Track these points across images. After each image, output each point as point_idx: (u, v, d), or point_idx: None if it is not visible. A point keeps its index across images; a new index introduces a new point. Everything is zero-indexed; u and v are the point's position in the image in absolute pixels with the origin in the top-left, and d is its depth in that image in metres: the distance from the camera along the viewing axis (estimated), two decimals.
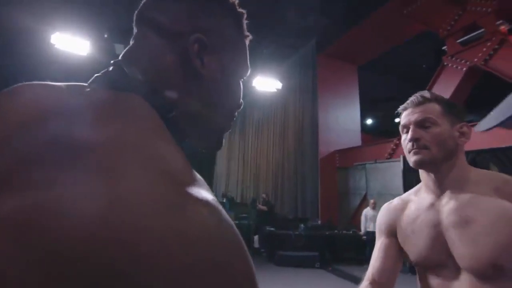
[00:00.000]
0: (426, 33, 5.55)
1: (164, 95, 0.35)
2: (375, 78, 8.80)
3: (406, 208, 0.81)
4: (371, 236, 4.43)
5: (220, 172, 13.57)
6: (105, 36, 5.99)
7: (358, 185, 6.24)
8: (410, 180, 4.82)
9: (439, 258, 0.73)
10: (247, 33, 0.44)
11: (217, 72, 0.38)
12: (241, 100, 0.44)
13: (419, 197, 0.79)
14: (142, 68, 0.36)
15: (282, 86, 7.39)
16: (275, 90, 7.44)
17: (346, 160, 6.70)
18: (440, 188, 0.74)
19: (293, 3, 5.82)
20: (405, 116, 0.79)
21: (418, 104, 0.77)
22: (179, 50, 0.36)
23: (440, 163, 0.73)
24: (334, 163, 6.94)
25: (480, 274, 0.67)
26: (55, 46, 5.21)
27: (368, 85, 8.42)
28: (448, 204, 0.72)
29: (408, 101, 0.80)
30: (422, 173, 0.79)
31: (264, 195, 7.31)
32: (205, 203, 0.24)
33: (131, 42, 0.40)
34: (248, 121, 10.69)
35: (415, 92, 0.80)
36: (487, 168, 4.10)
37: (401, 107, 0.81)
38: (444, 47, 4.92)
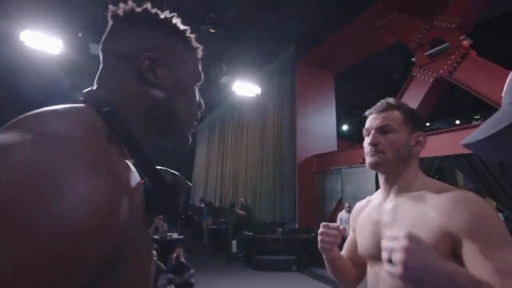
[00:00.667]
0: (398, 44, 5.87)
1: (119, 105, 0.43)
2: (350, 85, 9.13)
3: (367, 206, 0.90)
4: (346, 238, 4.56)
5: (198, 177, 13.37)
6: (79, 35, 5.76)
7: (334, 189, 6.40)
8: None
9: (374, 252, 0.79)
10: (197, 45, 0.53)
11: (170, 81, 0.47)
12: (200, 102, 0.53)
13: (376, 197, 0.87)
14: (104, 87, 0.45)
15: (262, 92, 7.47)
16: (255, 96, 7.49)
17: (323, 165, 6.86)
18: (388, 189, 0.81)
19: (274, 11, 5.94)
20: (369, 120, 0.84)
21: (382, 110, 0.82)
22: (135, 68, 0.45)
23: (392, 167, 0.78)
24: (311, 168, 7.08)
25: None
26: (25, 43, 4.93)
27: (344, 92, 8.72)
28: (388, 205, 0.79)
29: (374, 106, 0.85)
30: (378, 175, 0.85)
31: (242, 200, 7.30)
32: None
33: (100, 68, 0.48)
34: (227, 126, 10.66)
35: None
36: (453, 174, 4.36)
37: (368, 111, 0.86)
38: (413, 59, 5.22)
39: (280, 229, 6.04)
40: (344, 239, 0.92)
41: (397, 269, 0.50)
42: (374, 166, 0.79)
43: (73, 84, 8.63)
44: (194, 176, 13.90)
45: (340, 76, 8.12)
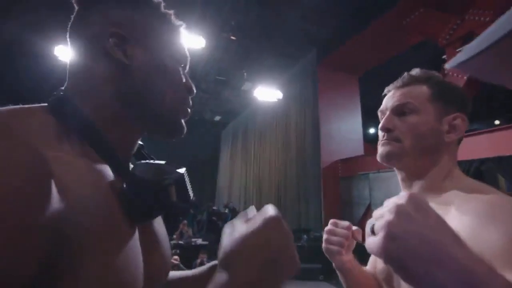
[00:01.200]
0: (424, 43, 5.59)
1: (80, 94, 0.39)
2: (376, 87, 8.83)
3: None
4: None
5: (222, 183, 13.50)
6: None
7: (361, 195, 6.16)
8: None
9: (386, 274, 0.63)
10: (177, 22, 0.46)
11: (144, 60, 0.41)
12: (188, 84, 0.46)
13: None
14: (70, 79, 0.42)
15: (283, 96, 7.43)
16: (276, 100, 7.46)
17: (348, 170, 6.64)
18: (407, 190, 0.61)
19: (292, 15, 5.91)
20: (385, 99, 0.65)
21: (402, 85, 0.62)
22: (101, 49, 0.40)
23: (412, 160, 0.58)
24: (336, 173, 6.88)
25: None
26: (59, 58, 5.28)
27: (370, 94, 8.45)
28: None
29: (395, 81, 0.66)
30: (396, 172, 0.65)
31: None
32: None
33: (69, 58, 0.43)
34: (250, 132, 10.70)
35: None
36: (494, 179, 4.00)
37: (386, 88, 0.67)
38: (444, 56, 4.94)
39: (305, 236, 5.88)
40: (362, 251, 0.74)
41: (378, 240, 0.32)
42: (386, 158, 0.60)
43: None
44: (219, 182, 14.04)
45: (365, 78, 7.88)
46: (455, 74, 4.59)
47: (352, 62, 7.11)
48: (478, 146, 3.97)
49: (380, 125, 0.62)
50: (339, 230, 0.68)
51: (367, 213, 5.81)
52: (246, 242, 0.33)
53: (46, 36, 5.24)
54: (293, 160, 7.70)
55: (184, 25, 0.47)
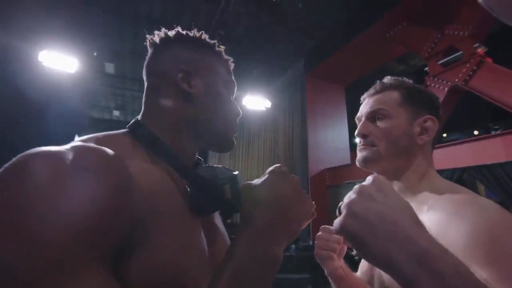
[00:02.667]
0: (407, 54, 5.79)
1: (153, 119, 0.50)
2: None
3: None
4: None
5: None
6: (94, 54, 5.99)
7: None
8: None
9: (369, 276, 0.64)
10: (227, 57, 0.58)
11: (204, 89, 0.51)
12: (237, 108, 0.57)
13: None
14: (144, 107, 0.52)
15: (272, 106, 7.48)
16: (265, 109, 7.50)
17: (336, 179, 6.70)
18: None
19: (281, 26, 6.02)
20: (361, 107, 0.69)
21: (375, 92, 0.66)
22: (171, 82, 0.50)
23: (388, 164, 0.61)
24: (324, 182, 6.92)
25: None
26: (43, 63, 5.15)
27: (355, 104, 8.62)
28: None
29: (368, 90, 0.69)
30: None
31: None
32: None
33: (144, 92, 0.54)
34: (238, 140, 10.68)
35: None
36: (473, 186, 4.13)
37: (362, 96, 0.71)
38: (426, 68, 5.12)
39: (293, 245, 5.85)
40: (350, 260, 0.71)
41: (340, 218, 0.33)
42: (364, 163, 0.63)
43: (88, 101, 8.90)
44: None
45: (351, 88, 8.06)
46: (436, 86, 4.76)
47: (339, 73, 7.26)
48: (459, 155, 4.10)
49: (356, 132, 0.65)
50: (330, 235, 0.69)
51: None
52: (258, 192, 0.41)
53: (30, 42, 5.13)
54: None
55: (232, 60, 0.59)
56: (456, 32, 4.59)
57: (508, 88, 3.88)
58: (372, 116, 0.64)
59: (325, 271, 0.71)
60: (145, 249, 0.34)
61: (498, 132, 4.39)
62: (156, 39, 0.54)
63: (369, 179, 0.36)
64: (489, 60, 4.26)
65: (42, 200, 0.27)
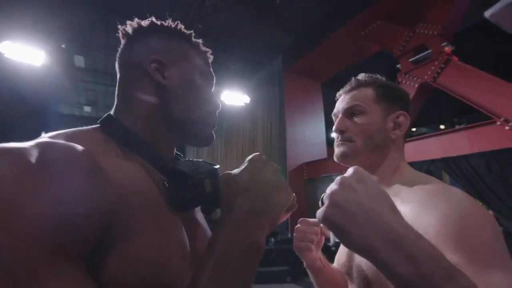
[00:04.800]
0: (381, 52, 5.99)
1: (125, 112, 0.48)
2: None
3: None
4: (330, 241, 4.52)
5: None
6: (63, 46, 5.66)
7: None
8: None
9: (347, 266, 0.65)
10: (205, 49, 0.55)
11: (179, 80, 0.49)
12: (216, 101, 0.55)
13: None
14: (117, 99, 0.49)
15: (250, 101, 7.47)
16: (243, 104, 7.48)
17: (313, 172, 6.85)
18: None
19: (259, 22, 6.00)
20: (337, 103, 0.70)
21: (350, 89, 0.68)
22: (144, 73, 0.47)
23: (365, 158, 0.63)
24: (302, 176, 7.05)
25: (359, 287, 0.58)
26: (5, 55, 4.80)
27: (331, 100, 8.82)
28: None
29: (344, 86, 0.70)
30: None
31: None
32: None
33: (116, 84, 0.51)
34: (216, 135, 10.56)
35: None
36: (439, 177, 4.38)
37: (338, 93, 0.72)
38: (398, 66, 5.32)
39: (272, 239, 5.93)
40: (328, 251, 0.73)
41: (323, 208, 0.35)
42: (342, 158, 0.64)
43: (56, 96, 8.42)
44: None
45: (327, 84, 8.22)
46: (407, 83, 4.98)
47: (316, 69, 7.38)
48: (428, 149, 4.33)
49: (333, 128, 0.66)
50: (309, 227, 0.70)
51: None
52: (238, 180, 0.41)
53: None
54: None
55: (210, 52, 0.56)
56: (426, 31, 4.81)
57: (472, 85, 4.13)
58: (349, 112, 0.66)
59: (304, 263, 0.72)
60: (122, 245, 0.33)
61: (462, 126, 4.67)
62: (129, 29, 0.51)
63: (350, 170, 0.37)
64: (455, 58, 4.51)
65: (2, 201, 0.26)
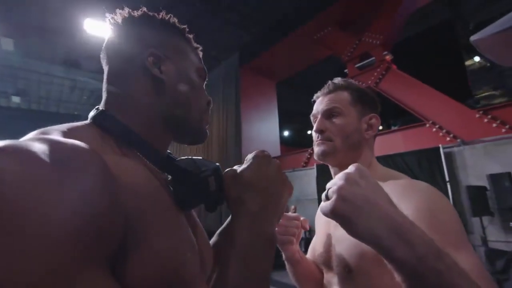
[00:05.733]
0: (333, 56, 6.38)
1: (121, 107, 0.45)
2: (290, 93, 9.60)
3: None
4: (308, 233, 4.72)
5: None
6: None
7: None
8: (322, 185, 5.38)
9: (325, 256, 0.69)
10: (196, 45, 0.54)
11: (175, 75, 0.47)
12: (208, 97, 0.53)
13: None
14: (108, 93, 0.46)
15: None
16: None
17: None
18: None
19: (216, 17, 5.92)
20: (315, 105, 0.74)
21: (328, 92, 0.72)
22: (140, 67, 0.45)
23: (342, 156, 0.67)
24: None
25: (340, 276, 0.63)
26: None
27: (284, 100, 9.12)
28: None
29: (321, 89, 0.75)
30: (330, 169, 0.74)
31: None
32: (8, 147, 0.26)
33: (104, 78, 0.47)
34: None
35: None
36: None
37: (315, 95, 0.76)
38: (346, 70, 5.74)
39: None
40: (304, 240, 0.79)
41: (330, 202, 0.38)
42: (322, 156, 0.68)
43: None
44: None
45: (281, 84, 8.48)
46: (359, 82, 5.38)
47: (271, 69, 7.55)
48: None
49: (314, 128, 0.70)
50: (289, 221, 0.73)
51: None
52: (246, 176, 0.42)
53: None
54: (215, 160, 7.64)
55: (201, 48, 0.55)
56: (370, 40, 5.26)
57: (407, 91, 4.66)
58: (328, 114, 0.69)
59: (283, 256, 0.76)
60: (142, 247, 0.32)
61: (397, 127, 5.21)
62: (118, 18, 0.47)
63: (352, 167, 0.41)
64: (394, 66, 5.02)
65: (26, 205, 0.23)
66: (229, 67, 7.58)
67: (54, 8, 5.24)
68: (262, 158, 0.45)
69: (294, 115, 11.30)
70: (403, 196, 0.54)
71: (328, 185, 0.42)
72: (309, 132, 13.41)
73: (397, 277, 0.37)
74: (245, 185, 0.42)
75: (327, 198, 0.40)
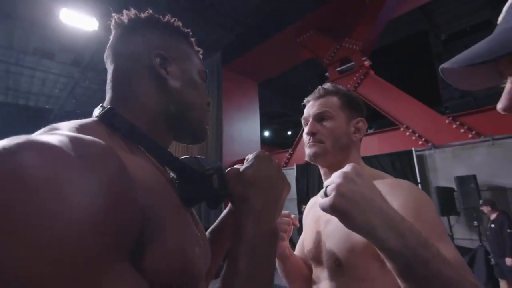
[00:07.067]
0: (313, 60, 6.52)
1: (127, 106, 0.46)
2: (271, 95, 9.70)
3: (314, 204, 0.82)
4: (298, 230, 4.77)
5: None
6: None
7: None
8: (302, 185, 5.50)
9: (314, 253, 0.72)
10: (198, 49, 0.57)
11: (180, 76, 0.49)
12: (208, 98, 0.56)
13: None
14: (113, 92, 0.47)
15: None
16: None
17: None
18: None
19: (198, 15, 5.86)
20: (306, 108, 0.77)
21: (319, 96, 0.75)
22: (146, 67, 0.47)
23: (332, 157, 0.71)
24: None
25: (330, 269, 0.66)
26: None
27: (265, 101, 9.20)
28: None
29: (311, 94, 0.78)
30: (320, 170, 0.77)
31: None
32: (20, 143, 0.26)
33: (108, 77, 0.49)
34: None
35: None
36: None
37: (305, 99, 0.79)
38: (326, 74, 5.88)
39: None
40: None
41: (330, 198, 0.42)
42: (314, 157, 0.71)
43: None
44: None
45: (263, 85, 8.54)
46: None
47: (253, 69, 7.58)
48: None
49: (306, 130, 0.73)
50: (281, 218, 0.77)
51: None
52: (249, 175, 0.44)
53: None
54: None
55: (201, 51, 0.57)
56: (351, 46, 5.44)
57: (383, 96, 4.87)
58: (319, 117, 0.73)
59: None
60: (153, 246, 0.33)
61: (372, 130, 5.42)
62: (125, 19, 0.49)
63: (348, 166, 0.45)
64: (372, 72, 5.23)
65: (52, 198, 0.24)
66: (211, 66, 7.53)
67: None
68: (263, 157, 0.47)
69: (274, 117, 11.42)
70: (390, 193, 0.57)
71: (326, 183, 0.45)
72: (289, 133, 13.60)
73: (389, 265, 0.41)
74: (248, 183, 0.44)
75: (326, 195, 0.43)
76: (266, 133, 13.60)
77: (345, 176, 0.43)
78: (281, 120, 12.14)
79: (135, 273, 0.29)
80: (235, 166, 0.48)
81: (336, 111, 0.73)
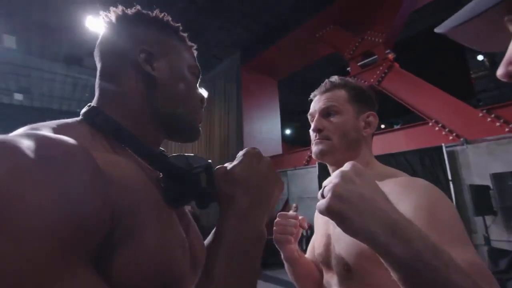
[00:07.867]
0: (334, 55, 6.36)
1: (113, 104, 0.45)
2: (292, 92, 9.59)
3: None
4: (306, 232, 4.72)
5: None
6: None
7: None
8: None
9: (324, 256, 0.68)
10: (191, 44, 0.54)
11: (168, 72, 0.47)
12: (202, 95, 0.53)
13: None
14: (100, 90, 0.46)
15: (208, 94, 7.35)
16: None
17: None
18: None
19: (217, 16, 5.91)
20: (313, 103, 0.73)
21: (325, 90, 0.71)
22: (132, 64, 0.45)
23: (340, 154, 0.66)
24: None
25: (339, 274, 0.63)
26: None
27: (286, 98, 9.11)
28: None
29: (318, 88, 0.74)
30: (328, 168, 0.72)
31: (189, 207, 7.03)
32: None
33: (97, 74, 0.47)
34: None
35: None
36: None
37: (312, 93, 0.75)
38: (348, 68, 5.71)
39: None
40: (305, 237, 0.78)
41: (326, 199, 0.37)
42: (320, 155, 0.67)
43: None
44: None
45: (283, 82, 8.46)
46: (362, 80, 5.37)
47: (273, 66, 7.54)
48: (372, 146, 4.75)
49: (312, 127, 0.69)
50: (288, 220, 0.73)
51: (285, 208, 6.27)
52: (237, 173, 0.42)
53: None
54: (217, 159, 7.70)
55: (195, 46, 0.55)
56: (373, 38, 5.23)
57: (409, 90, 4.63)
58: (325, 112, 0.69)
59: (282, 255, 0.74)
60: (126, 247, 0.32)
61: (399, 126, 5.19)
62: (112, 16, 0.48)
63: (347, 165, 0.41)
64: (396, 65, 5.00)
65: (9, 199, 0.23)
66: (231, 65, 7.58)
67: (56, 5, 5.24)
68: (252, 155, 0.44)
69: (295, 114, 11.29)
70: (403, 194, 0.54)
71: (324, 183, 0.41)
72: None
73: (394, 275, 0.36)
74: (235, 182, 0.42)
75: (323, 197, 0.39)
76: (288, 131, 13.48)
77: (343, 176, 0.38)
78: (303, 117, 11.95)
79: (96, 278, 0.28)
80: (225, 164, 0.45)
81: (344, 105, 0.68)
